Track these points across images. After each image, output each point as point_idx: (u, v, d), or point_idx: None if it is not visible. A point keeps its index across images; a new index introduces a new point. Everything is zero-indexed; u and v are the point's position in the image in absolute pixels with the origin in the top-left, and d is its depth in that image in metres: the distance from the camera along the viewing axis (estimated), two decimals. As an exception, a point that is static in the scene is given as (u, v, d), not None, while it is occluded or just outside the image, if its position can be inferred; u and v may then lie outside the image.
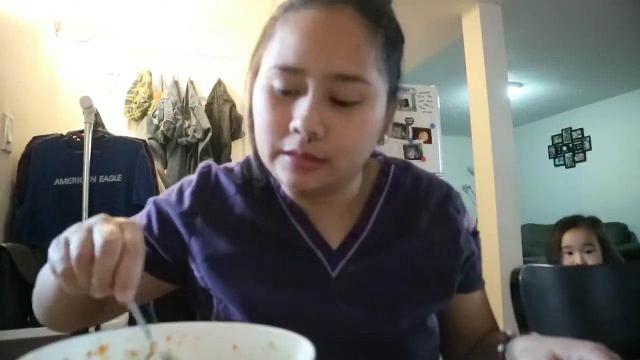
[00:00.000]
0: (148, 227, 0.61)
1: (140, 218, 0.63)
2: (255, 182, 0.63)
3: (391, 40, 0.55)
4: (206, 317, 0.63)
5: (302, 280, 0.58)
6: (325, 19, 0.51)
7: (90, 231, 0.40)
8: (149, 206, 0.64)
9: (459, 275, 0.65)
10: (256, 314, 0.56)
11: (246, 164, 0.66)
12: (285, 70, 0.51)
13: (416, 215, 0.64)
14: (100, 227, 0.40)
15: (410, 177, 0.68)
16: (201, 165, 0.66)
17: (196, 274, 0.60)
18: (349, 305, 0.57)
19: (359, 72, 0.51)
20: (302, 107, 0.50)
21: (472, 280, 0.68)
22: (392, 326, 0.59)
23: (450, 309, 0.69)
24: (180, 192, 0.63)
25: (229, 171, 0.65)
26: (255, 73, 0.58)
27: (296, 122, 0.50)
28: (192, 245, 0.60)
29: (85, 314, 0.57)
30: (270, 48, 0.54)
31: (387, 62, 0.54)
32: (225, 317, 0.60)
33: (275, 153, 0.54)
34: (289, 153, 0.52)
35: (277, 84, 0.52)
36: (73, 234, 0.41)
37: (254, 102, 0.56)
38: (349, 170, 0.57)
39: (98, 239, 0.39)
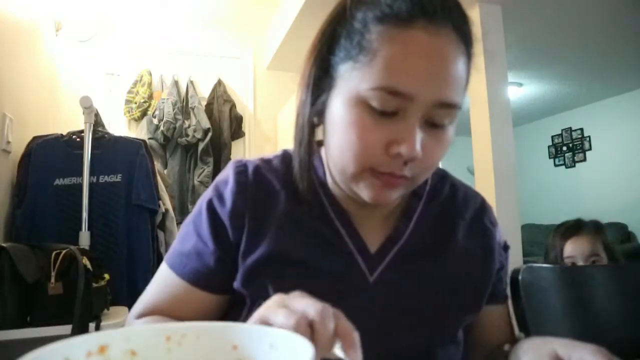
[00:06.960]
0: (201, 242, 0.59)
1: (186, 241, 0.61)
2: (299, 182, 0.60)
3: (472, 62, 0.54)
4: (235, 319, 0.62)
5: (340, 282, 0.57)
6: (434, 45, 0.49)
7: (287, 306, 0.39)
8: (192, 226, 0.61)
9: (489, 288, 0.65)
10: None
11: (284, 160, 0.64)
12: (393, 94, 0.49)
13: (453, 226, 0.64)
14: (297, 300, 0.39)
15: (448, 186, 0.69)
16: (234, 163, 0.63)
17: (237, 275, 0.58)
18: (384, 311, 0.57)
19: (458, 100, 0.51)
20: (405, 132, 0.50)
21: (496, 292, 0.68)
22: (425, 336, 0.58)
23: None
24: (220, 195, 0.60)
25: (267, 163, 0.63)
26: (329, 82, 0.54)
27: (402, 149, 0.49)
28: (242, 245, 0.58)
29: None
30: (371, 65, 0.49)
31: (468, 82, 0.55)
32: None
33: (363, 172, 0.53)
34: (383, 174, 0.52)
35: (377, 105, 0.50)
36: (274, 314, 0.38)
37: (334, 115, 0.54)
38: (422, 182, 0.57)
39: (309, 307, 0.38)
